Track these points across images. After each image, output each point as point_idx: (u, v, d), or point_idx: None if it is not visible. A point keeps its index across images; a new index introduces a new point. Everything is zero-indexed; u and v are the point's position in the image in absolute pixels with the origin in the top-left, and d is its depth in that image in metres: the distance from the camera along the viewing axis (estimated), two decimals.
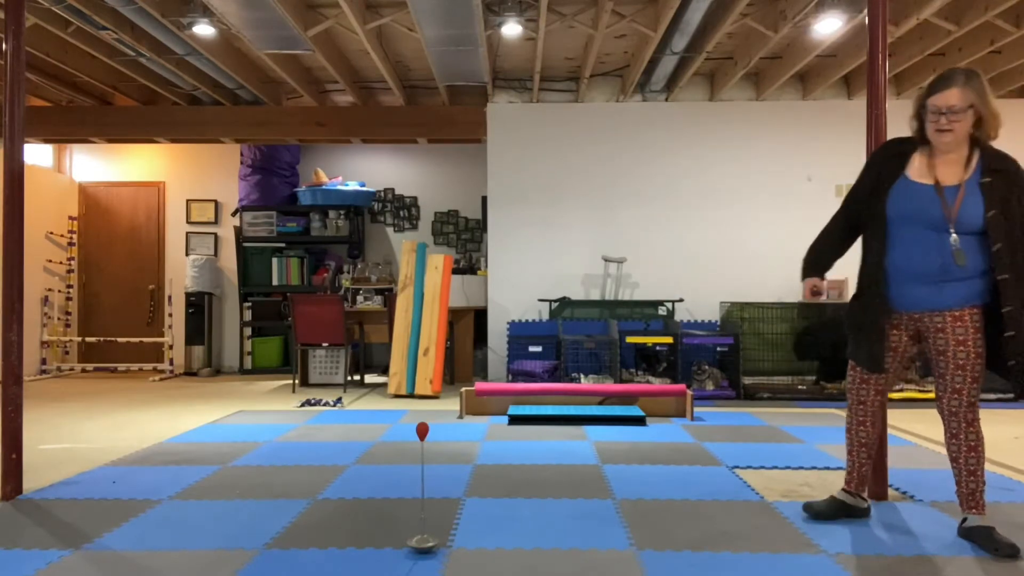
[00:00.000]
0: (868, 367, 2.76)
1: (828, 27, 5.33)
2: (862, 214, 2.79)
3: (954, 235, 2.54)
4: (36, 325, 7.96)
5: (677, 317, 7.03)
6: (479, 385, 5.39)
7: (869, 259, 2.75)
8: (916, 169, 2.66)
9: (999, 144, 2.64)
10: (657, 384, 5.73)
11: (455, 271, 7.84)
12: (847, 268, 3.03)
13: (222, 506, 3.10)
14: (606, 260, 7.14)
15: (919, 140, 2.69)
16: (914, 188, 2.63)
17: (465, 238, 8.75)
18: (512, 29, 5.51)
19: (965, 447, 2.61)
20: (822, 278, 2.93)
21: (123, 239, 8.66)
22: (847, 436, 2.91)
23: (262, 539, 2.69)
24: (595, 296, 7.20)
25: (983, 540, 2.56)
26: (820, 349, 6.40)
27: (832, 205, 3.41)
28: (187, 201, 8.64)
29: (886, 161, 2.74)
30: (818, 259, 2.93)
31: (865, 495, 2.94)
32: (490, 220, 7.27)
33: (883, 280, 2.69)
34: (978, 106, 2.54)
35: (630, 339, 6.29)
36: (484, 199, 7.72)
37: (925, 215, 2.58)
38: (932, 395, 6.01)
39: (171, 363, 7.95)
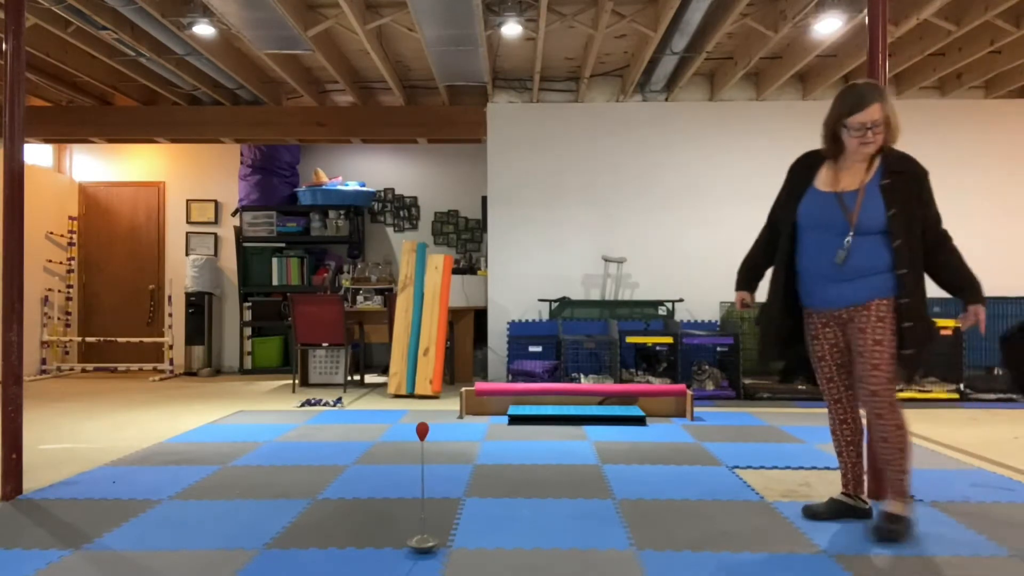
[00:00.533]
0: (781, 374, 2.96)
1: (828, 27, 5.33)
2: (780, 225, 2.90)
3: (849, 237, 2.65)
4: (36, 325, 7.96)
5: (677, 317, 7.03)
6: (479, 385, 5.40)
7: (777, 265, 2.88)
8: (823, 179, 2.78)
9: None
10: (657, 384, 5.73)
11: (455, 271, 7.84)
12: None
13: (222, 506, 3.10)
14: (606, 260, 7.14)
15: (827, 155, 2.79)
16: (820, 197, 2.76)
17: (465, 238, 8.75)
18: (512, 29, 5.51)
19: (877, 437, 2.68)
20: (753, 290, 3.05)
21: (123, 239, 8.66)
22: (833, 439, 2.95)
23: (262, 539, 2.69)
24: (595, 296, 7.20)
25: (879, 522, 2.67)
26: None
27: None
28: (187, 201, 8.65)
29: (798, 173, 2.87)
30: (748, 272, 3.06)
31: (864, 496, 2.94)
32: (490, 220, 7.27)
33: (789, 284, 2.83)
34: (890, 115, 2.65)
35: (630, 339, 6.29)
36: (484, 199, 7.73)
37: (828, 220, 2.71)
38: (932, 395, 6.02)
39: (171, 363, 7.95)
